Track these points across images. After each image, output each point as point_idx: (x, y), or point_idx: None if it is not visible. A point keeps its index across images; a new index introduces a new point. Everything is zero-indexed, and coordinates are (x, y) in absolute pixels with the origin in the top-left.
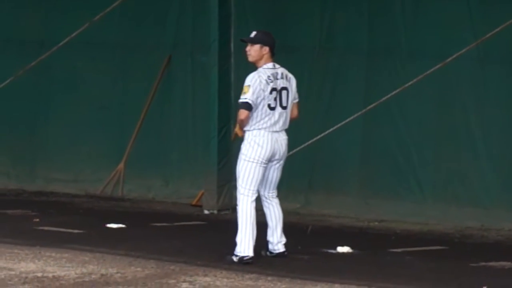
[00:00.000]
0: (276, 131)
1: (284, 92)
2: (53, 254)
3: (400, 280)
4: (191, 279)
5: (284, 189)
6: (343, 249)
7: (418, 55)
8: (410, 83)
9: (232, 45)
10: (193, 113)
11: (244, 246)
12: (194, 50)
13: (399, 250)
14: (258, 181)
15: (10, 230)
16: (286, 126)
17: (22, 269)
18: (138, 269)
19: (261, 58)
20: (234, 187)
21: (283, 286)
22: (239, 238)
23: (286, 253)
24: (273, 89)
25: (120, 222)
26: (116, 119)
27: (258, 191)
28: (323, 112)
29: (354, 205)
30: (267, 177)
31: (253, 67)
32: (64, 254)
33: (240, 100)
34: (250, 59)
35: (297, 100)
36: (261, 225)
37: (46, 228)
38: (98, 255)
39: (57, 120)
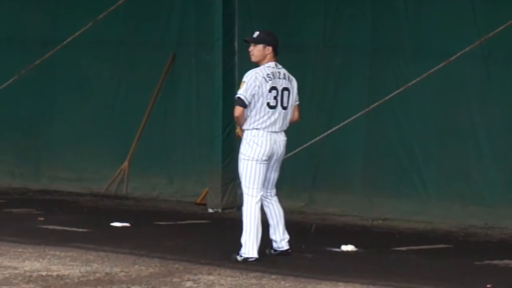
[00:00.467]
0: (275, 132)
1: (285, 93)
2: (58, 253)
3: (404, 278)
4: (195, 278)
5: (287, 188)
6: (347, 248)
7: (422, 54)
8: (413, 81)
9: (236, 43)
10: (197, 112)
11: (249, 247)
12: (198, 49)
13: (403, 248)
14: (261, 179)
15: (14, 229)
16: (286, 127)
17: (27, 268)
18: (142, 267)
19: (264, 58)
20: (238, 186)
21: (287, 284)
22: (244, 239)
23: (290, 250)
24: (273, 88)
25: (125, 220)
26: (120, 118)
27: None
28: (327, 111)
29: (358, 204)
30: (265, 177)
31: (256, 66)
32: (69, 253)
33: (235, 96)
34: (253, 59)
35: (297, 103)
36: (264, 224)
37: (50, 226)
38: (103, 254)
39: (61, 119)
